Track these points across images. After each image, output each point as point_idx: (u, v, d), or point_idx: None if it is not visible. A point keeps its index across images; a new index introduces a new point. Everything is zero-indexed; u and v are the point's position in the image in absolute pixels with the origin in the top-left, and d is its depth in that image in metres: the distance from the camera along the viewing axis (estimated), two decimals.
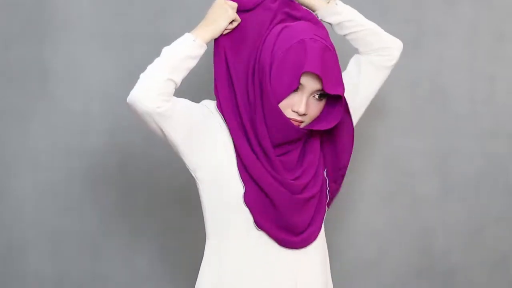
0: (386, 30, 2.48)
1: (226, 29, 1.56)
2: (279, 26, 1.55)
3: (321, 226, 1.62)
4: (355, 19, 1.70)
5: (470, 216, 2.48)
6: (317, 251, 1.62)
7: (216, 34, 1.54)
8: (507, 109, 2.46)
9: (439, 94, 2.45)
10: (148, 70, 1.51)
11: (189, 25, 2.41)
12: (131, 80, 2.41)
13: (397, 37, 2.39)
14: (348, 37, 1.72)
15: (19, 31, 2.40)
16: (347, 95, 1.57)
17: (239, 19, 1.57)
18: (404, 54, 2.45)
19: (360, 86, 1.70)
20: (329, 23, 1.70)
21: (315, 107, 1.51)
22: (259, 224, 1.53)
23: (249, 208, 1.52)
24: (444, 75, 2.44)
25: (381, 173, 2.46)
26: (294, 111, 1.48)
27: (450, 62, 2.44)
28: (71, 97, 2.41)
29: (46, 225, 2.44)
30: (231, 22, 1.56)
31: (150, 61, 2.60)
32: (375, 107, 2.45)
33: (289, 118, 1.49)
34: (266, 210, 1.53)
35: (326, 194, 1.64)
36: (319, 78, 1.47)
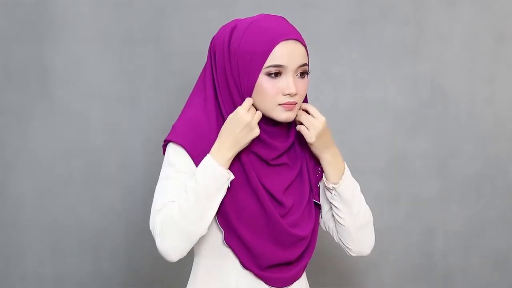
0: (386, 31, 2.46)
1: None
2: None
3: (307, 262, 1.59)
4: (344, 210, 1.56)
5: (470, 218, 2.48)
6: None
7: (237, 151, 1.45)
8: (507, 110, 2.46)
9: (439, 96, 2.44)
10: (182, 220, 1.40)
11: (189, 25, 2.43)
12: (131, 80, 2.43)
13: (397, 38, 2.40)
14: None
15: (19, 31, 2.40)
16: None
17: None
18: (404, 55, 2.47)
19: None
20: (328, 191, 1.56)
21: (301, 85, 1.48)
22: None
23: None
24: (444, 77, 2.44)
25: (381, 175, 2.46)
26: (285, 94, 1.45)
27: (450, 63, 2.44)
28: (71, 97, 2.41)
29: (46, 225, 2.44)
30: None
31: (150, 61, 2.57)
32: (374, 108, 2.45)
33: (283, 103, 1.46)
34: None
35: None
36: (297, 53, 1.46)
